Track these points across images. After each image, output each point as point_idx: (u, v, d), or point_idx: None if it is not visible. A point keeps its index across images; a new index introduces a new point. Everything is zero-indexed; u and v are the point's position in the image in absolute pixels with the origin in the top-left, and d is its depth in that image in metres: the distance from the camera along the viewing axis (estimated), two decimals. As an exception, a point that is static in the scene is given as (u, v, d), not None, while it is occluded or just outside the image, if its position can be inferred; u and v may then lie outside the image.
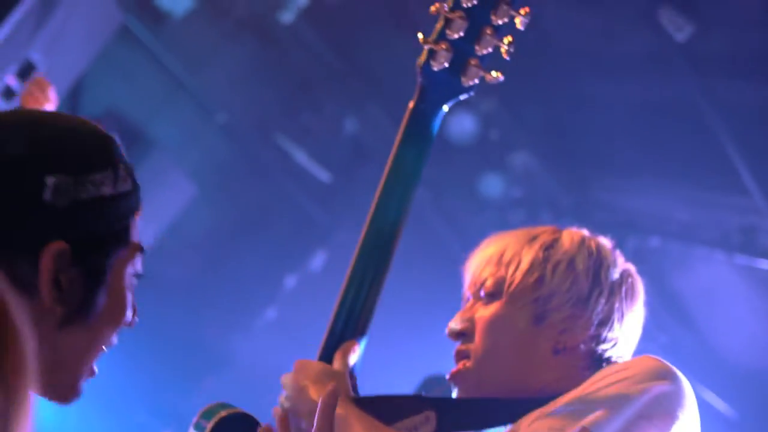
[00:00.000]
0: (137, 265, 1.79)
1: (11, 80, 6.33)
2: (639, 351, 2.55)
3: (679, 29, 5.62)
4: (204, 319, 7.69)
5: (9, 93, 6.34)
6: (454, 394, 2.51)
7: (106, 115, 7.47)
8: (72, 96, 7.08)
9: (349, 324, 2.38)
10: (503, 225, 7.32)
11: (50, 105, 5.59)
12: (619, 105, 6.34)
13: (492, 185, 7.27)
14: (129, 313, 1.77)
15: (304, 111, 7.66)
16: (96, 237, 1.71)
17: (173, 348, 7.50)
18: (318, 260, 8.22)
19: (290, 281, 8.28)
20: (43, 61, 6.34)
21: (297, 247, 8.20)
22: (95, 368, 1.77)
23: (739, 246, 6.91)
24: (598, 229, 7.12)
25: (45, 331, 1.66)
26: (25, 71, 6.31)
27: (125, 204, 1.76)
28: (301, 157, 7.80)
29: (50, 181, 1.65)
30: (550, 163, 7.12)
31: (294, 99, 7.57)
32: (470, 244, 7.57)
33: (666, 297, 7.22)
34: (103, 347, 1.77)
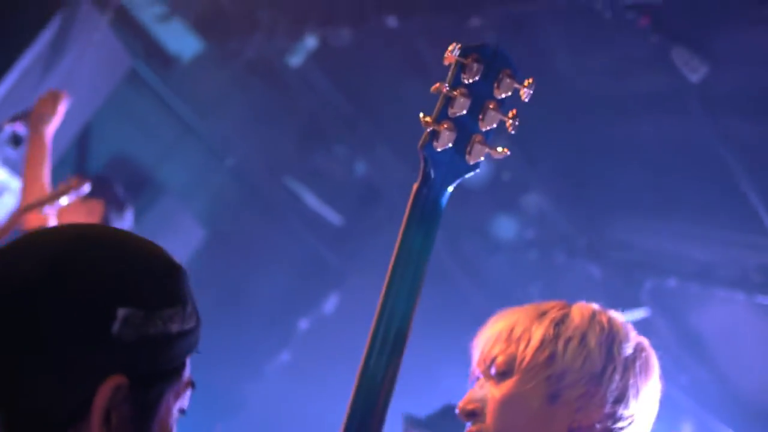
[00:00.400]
0: (185, 400, 1.72)
1: (19, 127, 6.30)
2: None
3: (694, 70, 5.55)
4: (215, 364, 7.61)
5: (17, 140, 6.31)
6: None
7: (115, 159, 7.44)
8: (80, 140, 7.05)
9: (365, 424, 2.25)
10: (517, 266, 7.23)
11: (56, 118, 5.55)
12: (633, 145, 6.26)
13: (505, 227, 7.20)
14: None
15: (313, 154, 7.61)
16: (155, 373, 1.65)
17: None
18: (331, 303, 8.15)
19: (303, 324, 8.21)
20: (51, 108, 6.31)
21: (309, 290, 8.12)
22: None
23: (758, 285, 6.81)
24: (614, 269, 7.01)
25: None
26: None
27: (188, 341, 1.70)
28: (311, 199, 7.75)
29: (121, 313, 1.59)
30: (564, 203, 7.04)
31: (303, 142, 7.51)
32: (484, 285, 7.44)
33: (685, 337, 7.12)
34: None
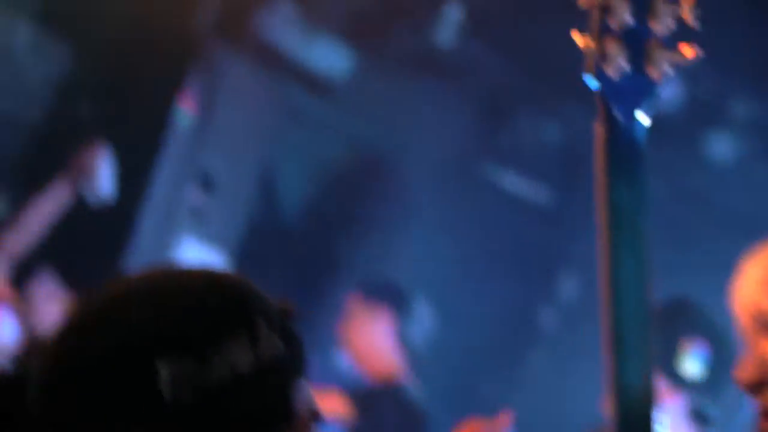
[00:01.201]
0: None
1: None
2: None
3: None
4: (479, 376, 7.27)
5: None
6: None
7: (305, 201, 7.26)
8: (263, 190, 6.92)
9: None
10: (748, 186, 6.57)
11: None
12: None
13: (719, 147, 6.61)
14: None
15: (499, 133, 7.16)
16: (242, 427, 1.30)
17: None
18: (569, 285, 7.60)
19: (546, 319, 7.71)
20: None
21: (539, 277, 7.61)
22: None
23: None
24: None
25: None
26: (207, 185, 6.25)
27: (278, 372, 1.34)
28: (511, 180, 7.30)
29: (164, 371, 1.26)
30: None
31: (485, 123, 7.08)
32: (720, 218, 6.69)
33: None
34: None
